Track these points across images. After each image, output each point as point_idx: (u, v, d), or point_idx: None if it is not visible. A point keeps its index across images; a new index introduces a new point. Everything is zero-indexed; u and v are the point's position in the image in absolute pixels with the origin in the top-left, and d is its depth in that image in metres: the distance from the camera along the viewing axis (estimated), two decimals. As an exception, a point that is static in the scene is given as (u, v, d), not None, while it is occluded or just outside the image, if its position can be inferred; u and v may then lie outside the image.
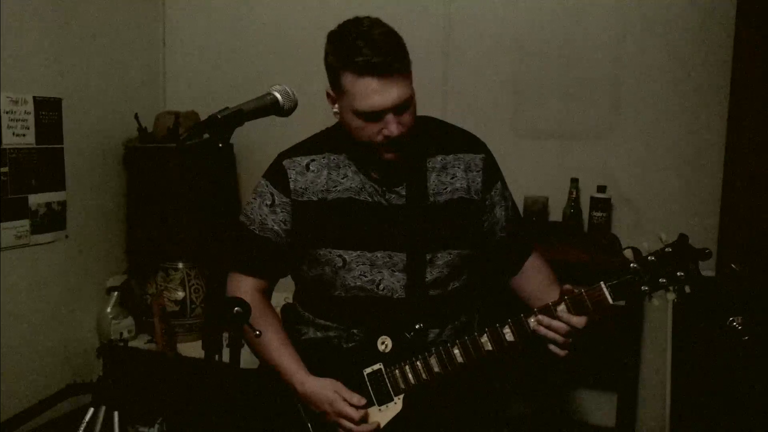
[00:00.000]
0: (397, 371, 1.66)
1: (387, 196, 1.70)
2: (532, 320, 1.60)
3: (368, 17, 1.61)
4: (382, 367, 1.67)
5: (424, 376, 1.64)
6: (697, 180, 2.82)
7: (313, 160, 1.73)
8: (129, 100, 3.23)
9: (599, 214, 2.82)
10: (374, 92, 1.53)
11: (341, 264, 1.68)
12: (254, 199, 1.77)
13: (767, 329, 2.19)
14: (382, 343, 1.67)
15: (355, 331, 1.71)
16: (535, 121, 3.01)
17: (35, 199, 2.76)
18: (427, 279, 1.69)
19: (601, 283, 1.57)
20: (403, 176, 1.71)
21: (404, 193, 1.70)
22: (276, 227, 1.72)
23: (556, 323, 1.59)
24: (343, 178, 1.71)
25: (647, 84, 2.86)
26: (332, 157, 1.73)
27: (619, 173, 2.91)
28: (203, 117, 1.68)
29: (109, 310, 3.09)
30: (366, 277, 1.68)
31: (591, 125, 2.95)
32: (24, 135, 2.68)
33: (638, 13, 2.84)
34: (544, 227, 2.88)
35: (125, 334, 3.07)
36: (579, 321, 1.58)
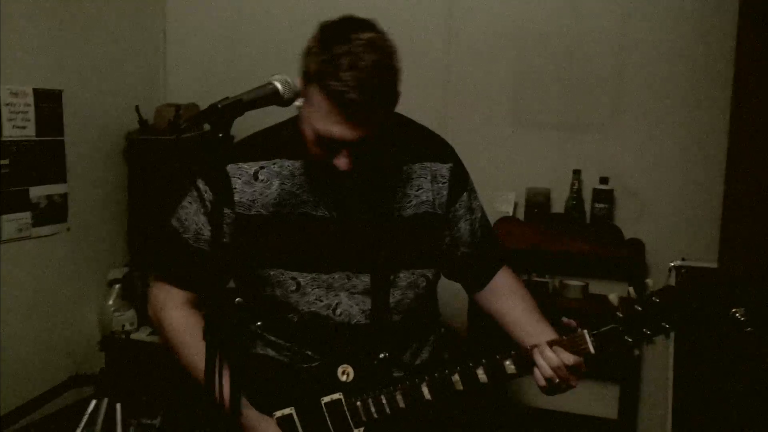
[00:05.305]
0: (358, 403, 1.52)
1: (347, 211, 1.53)
2: (507, 362, 1.49)
3: (368, 30, 1.36)
4: (342, 397, 1.53)
5: (387, 411, 1.51)
6: (699, 171, 2.81)
7: (262, 168, 1.52)
8: (130, 92, 3.22)
9: (601, 205, 2.81)
10: (336, 123, 1.33)
11: (294, 287, 1.51)
12: (190, 203, 1.57)
13: (770, 320, 2.18)
14: (343, 372, 1.54)
15: (309, 352, 1.56)
16: (537, 113, 3.00)
17: (36, 192, 2.76)
18: (390, 302, 1.54)
19: (585, 331, 1.46)
20: (364, 189, 1.52)
21: (366, 207, 1.54)
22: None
23: (548, 355, 1.47)
24: (297, 190, 1.52)
25: (650, 75, 2.85)
26: (286, 164, 1.52)
27: (622, 165, 2.90)
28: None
29: (110, 302, 3.09)
30: (321, 301, 1.52)
31: (593, 116, 2.94)
32: (24, 127, 2.68)
33: (641, 4, 2.83)
34: (546, 219, 2.88)
35: (127, 327, 3.07)
36: (568, 358, 1.46)
